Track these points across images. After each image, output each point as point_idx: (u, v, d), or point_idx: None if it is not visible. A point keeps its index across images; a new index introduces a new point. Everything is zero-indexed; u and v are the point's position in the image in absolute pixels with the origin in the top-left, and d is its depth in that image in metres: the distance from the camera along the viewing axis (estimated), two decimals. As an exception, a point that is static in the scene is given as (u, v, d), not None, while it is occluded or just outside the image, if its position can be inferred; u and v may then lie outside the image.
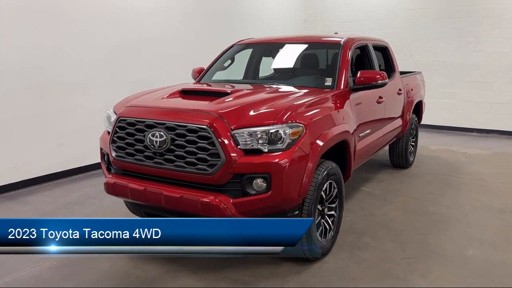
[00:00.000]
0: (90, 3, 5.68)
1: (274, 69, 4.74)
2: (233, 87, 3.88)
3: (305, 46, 4.51)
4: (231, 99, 3.27)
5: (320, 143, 3.11)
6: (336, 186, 3.54)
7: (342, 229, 3.98)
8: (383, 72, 3.99)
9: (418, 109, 6.43)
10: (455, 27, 8.96)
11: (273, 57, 4.72)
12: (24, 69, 5.04)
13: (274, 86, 3.94)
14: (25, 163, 5.18)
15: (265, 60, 4.79)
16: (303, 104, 3.24)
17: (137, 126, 3.13)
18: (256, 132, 2.87)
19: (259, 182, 2.86)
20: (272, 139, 2.89)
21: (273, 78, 4.65)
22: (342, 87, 3.85)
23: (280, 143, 2.89)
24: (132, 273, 3.22)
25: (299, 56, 4.48)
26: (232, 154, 2.82)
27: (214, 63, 4.70)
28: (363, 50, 4.72)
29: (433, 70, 9.28)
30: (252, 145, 2.87)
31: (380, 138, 4.75)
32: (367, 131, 4.27)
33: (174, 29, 6.96)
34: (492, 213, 4.49)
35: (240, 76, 4.81)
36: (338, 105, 3.61)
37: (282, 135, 2.89)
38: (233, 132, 2.86)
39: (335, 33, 5.50)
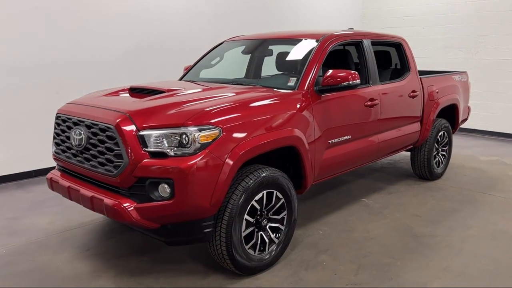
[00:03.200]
0: (109, 2, 5.90)
1: (250, 67, 4.50)
2: (187, 85, 3.72)
3: (286, 43, 4.18)
4: (157, 98, 3.13)
5: (242, 148, 2.83)
6: (282, 197, 3.22)
7: (306, 243, 3.68)
8: (355, 72, 3.53)
9: (452, 114, 5.67)
10: (529, 20, 7.76)
11: (255, 55, 4.46)
12: (41, 65, 5.40)
13: (230, 86, 3.69)
14: (39, 153, 5.54)
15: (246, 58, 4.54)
16: (230, 105, 2.97)
17: (67, 123, 3.15)
18: (163, 134, 2.71)
19: (164, 188, 2.69)
20: (181, 142, 2.70)
21: (246, 76, 4.40)
22: (305, 88, 3.49)
23: (188, 147, 2.69)
24: (61, 268, 3.25)
25: (277, 54, 4.17)
26: (135, 156, 2.68)
27: (199, 61, 4.58)
28: (357, 47, 4.26)
29: (502, 69, 8.16)
30: (160, 148, 2.71)
31: (374, 146, 4.25)
32: (345, 137, 3.83)
33: (202, 28, 6.97)
34: (500, 241, 3.77)
35: (232, 74, 4.62)
36: (288, 107, 3.27)
37: (190, 138, 2.68)
38: (140, 132, 2.72)
39: (349, 28, 5.04)
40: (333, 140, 3.69)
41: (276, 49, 4.27)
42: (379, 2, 9.83)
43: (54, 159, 3.37)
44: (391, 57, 5.06)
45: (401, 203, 4.68)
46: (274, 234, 3.24)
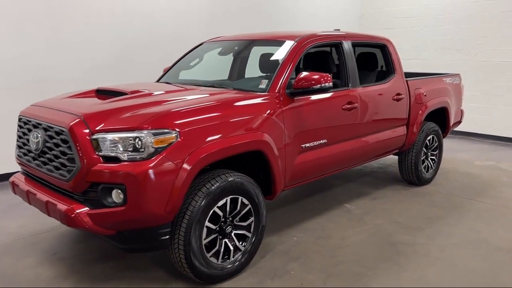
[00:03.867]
0: (96, 2, 5.85)
1: (233, 69, 4.39)
2: (155, 87, 3.63)
3: (262, 44, 4.08)
4: (117, 100, 3.05)
5: (202, 153, 2.73)
6: (248, 203, 3.12)
7: (278, 250, 3.58)
8: (327, 74, 3.41)
9: (443, 117, 5.52)
10: (529, 21, 7.56)
11: (234, 56, 4.36)
12: (25, 66, 5.36)
13: (200, 88, 3.60)
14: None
15: (228, 59, 4.44)
16: (191, 108, 2.88)
17: (27, 126, 3.08)
18: (117, 137, 2.62)
19: (116, 194, 2.61)
20: (135, 146, 2.61)
21: (229, 79, 4.30)
22: (276, 91, 3.39)
23: (142, 152, 2.60)
24: (21, 274, 3.18)
25: (260, 55, 4.07)
26: (88, 161, 2.60)
27: (177, 62, 4.49)
28: (337, 48, 4.14)
29: (500, 72, 7.97)
30: (114, 152, 2.62)
31: (354, 150, 4.12)
32: (320, 142, 3.71)
33: (197, 29, 6.88)
34: (481, 251, 3.62)
35: (213, 76, 4.53)
36: (256, 110, 3.17)
37: (143, 142, 2.59)
38: (93, 136, 2.64)
39: (334, 29, 4.92)
40: (306, 145, 3.58)
41: (254, 50, 4.17)
42: (377, 3, 9.67)
43: (18, 162, 3.31)
44: (377, 59, 4.93)
45: (384, 209, 4.55)
46: (240, 242, 3.14)
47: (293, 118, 3.42)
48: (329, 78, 3.40)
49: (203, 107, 2.94)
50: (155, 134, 2.61)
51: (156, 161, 2.58)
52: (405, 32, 9.20)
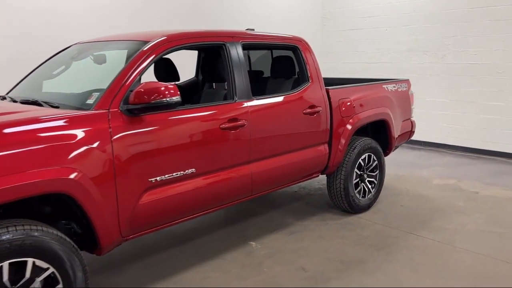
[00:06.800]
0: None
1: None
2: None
3: (118, 47, 3.21)
4: None
5: None
6: (49, 266, 2.25)
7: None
8: (173, 85, 2.56)
9: (385, 132, 4.64)
10: (499, 18, 6.68)
11: (94, 62, 3.50)
12: None
13: (6, 107, 2.75)
14: None
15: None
16: None
17: None
18: None
19: None
20: None
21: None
22: (108, 107, 2.53)
23: None
24: None
25: (103, 62, 3.23)
26: None
27: (34, 70, 3.64)
28: (222, 52, 3.28)
29: (471, 75, 7.09)
30: None
31: (242, 179, 3.25)
32: (184, 172, 2.84)
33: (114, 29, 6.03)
34: (393, 314, 2.74)
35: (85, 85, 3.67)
36: (60, 136, 2.31)
37: None
38: None
39: (247, 29, 4.07)
40: (157, 178, 2.71)
41: (109, 54, 3.31)
42: (338, 2, 8.81)
43: None
44: (295, 64, 4.07)
45: (296, 249, 3.67)
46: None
47: (132, 143, 2.57)
48: (175, 91, 2.54)
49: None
50: None
51: None
52: (368, 33, 8.35)
